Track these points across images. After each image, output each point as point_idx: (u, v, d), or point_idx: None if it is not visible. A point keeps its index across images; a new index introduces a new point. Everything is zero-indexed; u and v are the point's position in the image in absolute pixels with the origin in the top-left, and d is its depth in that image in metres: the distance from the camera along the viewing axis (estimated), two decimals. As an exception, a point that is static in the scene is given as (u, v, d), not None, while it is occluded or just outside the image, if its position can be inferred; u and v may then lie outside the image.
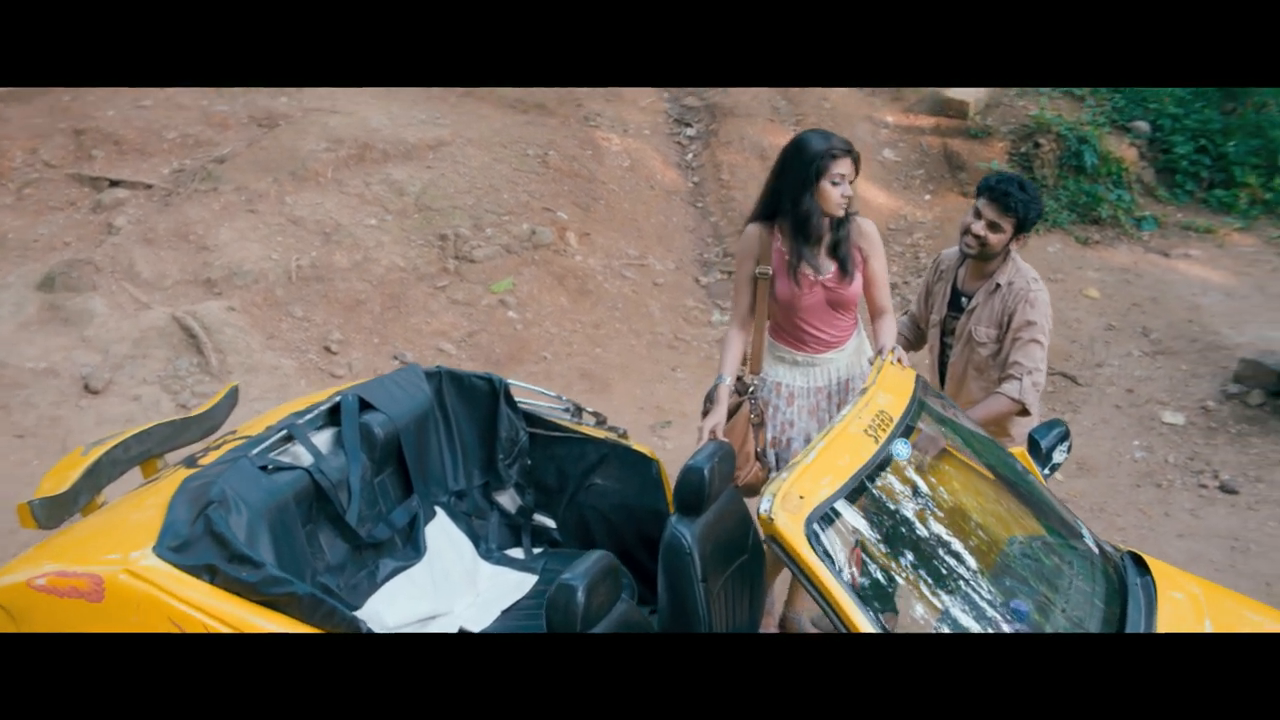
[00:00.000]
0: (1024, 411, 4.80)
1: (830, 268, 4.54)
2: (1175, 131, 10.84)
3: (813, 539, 3.23)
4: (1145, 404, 7.76)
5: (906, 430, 3.83)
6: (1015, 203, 4.66)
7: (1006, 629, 3.40)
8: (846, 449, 3.61)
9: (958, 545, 3.69)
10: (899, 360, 4.31)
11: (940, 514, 3.79)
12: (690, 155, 10.66)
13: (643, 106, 11.05)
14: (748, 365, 4.80)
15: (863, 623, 3.14)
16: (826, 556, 3.21)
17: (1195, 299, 9.05)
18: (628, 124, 10.56)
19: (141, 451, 4.38)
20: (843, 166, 4.38)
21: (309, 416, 4.40)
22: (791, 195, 4.48)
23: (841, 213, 4.46)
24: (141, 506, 3.98)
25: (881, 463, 3.62)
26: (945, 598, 3.50)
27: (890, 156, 10.39)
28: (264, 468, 4.07)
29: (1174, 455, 7.23)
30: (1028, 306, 4.76)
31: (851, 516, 3.43)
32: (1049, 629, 3.52)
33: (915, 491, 3.75)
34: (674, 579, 4.07)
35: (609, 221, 9.23)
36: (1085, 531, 4.14)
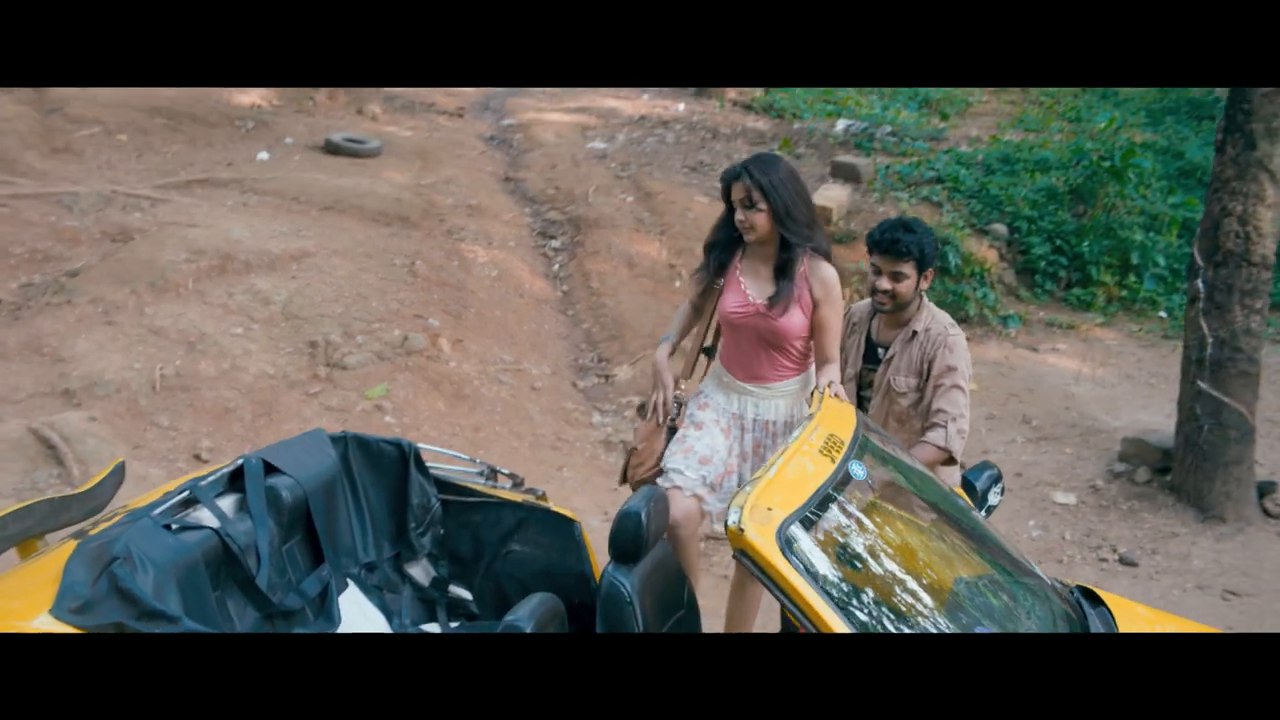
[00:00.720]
0: (950, 460, 4.69)
1: (768, 294, 4.42)
2: (1032, 233, 11.13)
3: (785, 550, 3.04)
4: (1035, 486, 7.77)
5: (859, 454, 3.69)
6: (906, 245, 4.62)
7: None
8: (804, 466, 3.45)
9: (923, 568, 3.54)
10: (837, 395, 4.16)
11: (902, 536, 3.63)
12: (557, 266, 10.59)
13: (505, 220, 10.98)
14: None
15: (839, 629, 2.94)
16: (800, 568, 3.02)
17: (1069, 388, 9.23)
18: (491, 237, 10.46)
19: (20, 530, 3.98)
20: (734, 191, 4.37)
21: (211, 479, 4.08)
22: (720, 222, 4.60)
23: (746, 238, 4.42)
24: (28, 577, 3.63)
25: (841, 481, 3.46)
26: (916, 616, 3.32)
27: (755, 263, 10.43)
28: (168, 526, 3.75)
29: (1070, 533, 7.23)
30: (947, 352, 4.70)
31: (821, 529, 3.25)
32: None
33: (876, 511, 3.59)
34: (615, 631, 3.83)
35: (481, 329, 9.04)
36: (1036, 567, 4.03)
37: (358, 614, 4.33)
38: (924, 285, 4.74)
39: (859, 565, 3.33)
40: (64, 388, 7.32)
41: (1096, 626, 3.71)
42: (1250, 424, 7.25)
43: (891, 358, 4.80)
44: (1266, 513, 7.34)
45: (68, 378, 7.38)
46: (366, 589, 4.46)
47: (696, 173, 12.27)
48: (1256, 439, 7.39)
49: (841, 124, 14.18)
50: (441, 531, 4.65)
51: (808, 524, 3.19)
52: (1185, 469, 7.44)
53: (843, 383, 4.98)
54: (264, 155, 11.24)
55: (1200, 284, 7.28)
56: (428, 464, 4.63)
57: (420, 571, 4.63)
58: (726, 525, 3.05)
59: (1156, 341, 10.30)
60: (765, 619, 4.96)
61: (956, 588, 3.59)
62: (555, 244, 10.89)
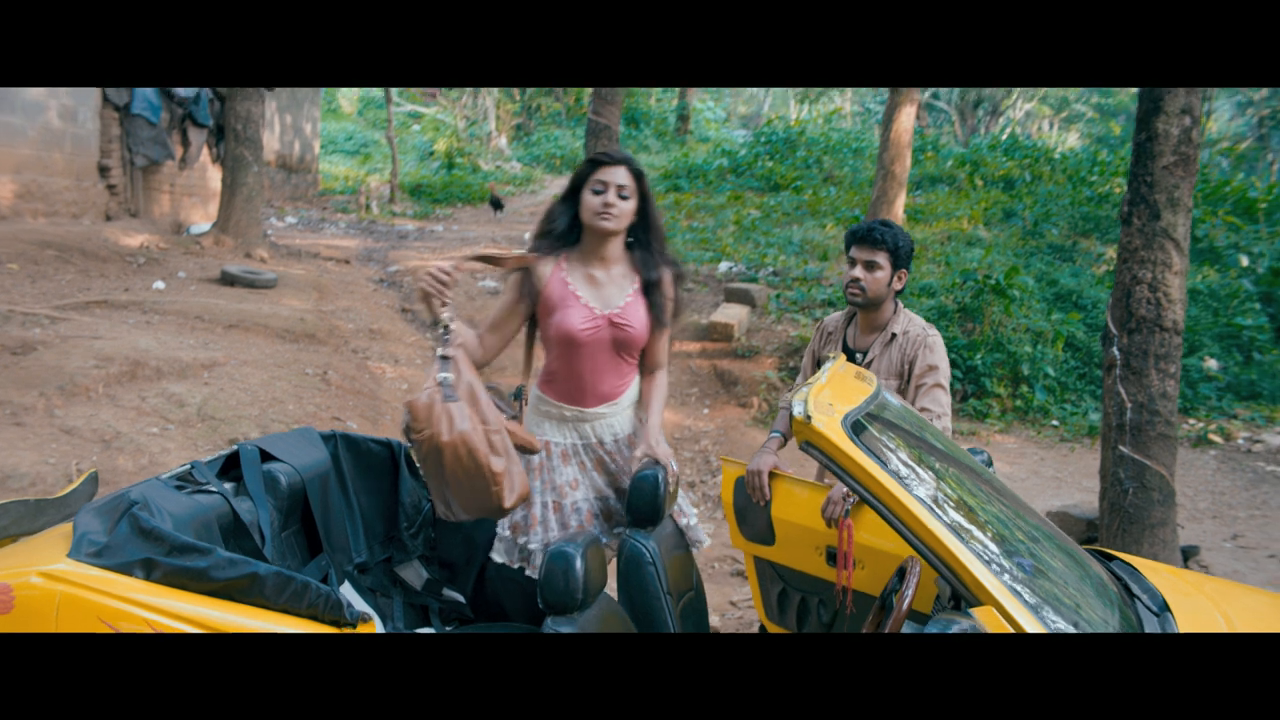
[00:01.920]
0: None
1: (622, 301, 4.04)
2: (926, 346, 11.40)
3: (853, 438, 3.04)
4: (965, 559, 7.81)
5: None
6: (881, 235, 4.67)
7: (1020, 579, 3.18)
8: (847, 382, 3.48)
9: (969, 495, 3.53)
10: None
11: (947, 463, 3.63)
12: (466, 382, 10.55)
13: (408, 343, 10.97)
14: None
15: (918, 510, 2.93)
16: (869, 453, 3.02)
17: (982, 482, 9.36)
18: (397, 356, 10.42)
19: (-4, 528, 3.82)
20: (607, 174, 3.90)
21: (207, 461, 3.95)
22: (559, 208, 4.09)
23: (603, 225, 3.91)
24: (30, 544, 3.47)
25: (882, 403, 3.49)
26: (972, 513, 3.31)
27: (661, 379, 10.58)
28: (179, 489, 3.62)
29: (1007, 598, 7.26)
30: (928, 351, 4.73)
31: (876, 431, 3.25)
32: (1070, 594, 3.32)
33: (917, 438, 3.60)
34: (637, 594, 3.77)
35: (399, 434, 8.91)
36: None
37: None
38: (898, 285, 4.79)
39: (914, 466, 3.32)
40: (-26, 482, 7.03)
41: (1128, 573, 3.74)
42: (1171, 486, 7.41)
43: (870, 361, 4.84)
44: (1192, 574, 7.48)
45: (-22, 472, 7.09)
46: (360, 589, 4.31)
47: (593, 302, 12.43)
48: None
49: (724, 266, 14.50)
50: (433, 535, 4.53)
51: (863, 426, 3.20)
52: (1112, 534, 7.54)
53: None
54: (160, 284, 11.11)
55: (1116, 351, 7.49)
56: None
57: (412, 574, 4.49)
58: (793, 416, 3.03)
59: (1055, 444, 10.56)
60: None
61: (994, 521, 3.57)
62: (460, 363, 10.90)
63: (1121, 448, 7.45)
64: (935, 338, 4.78)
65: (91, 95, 13.38)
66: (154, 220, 14.48)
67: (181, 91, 15.03)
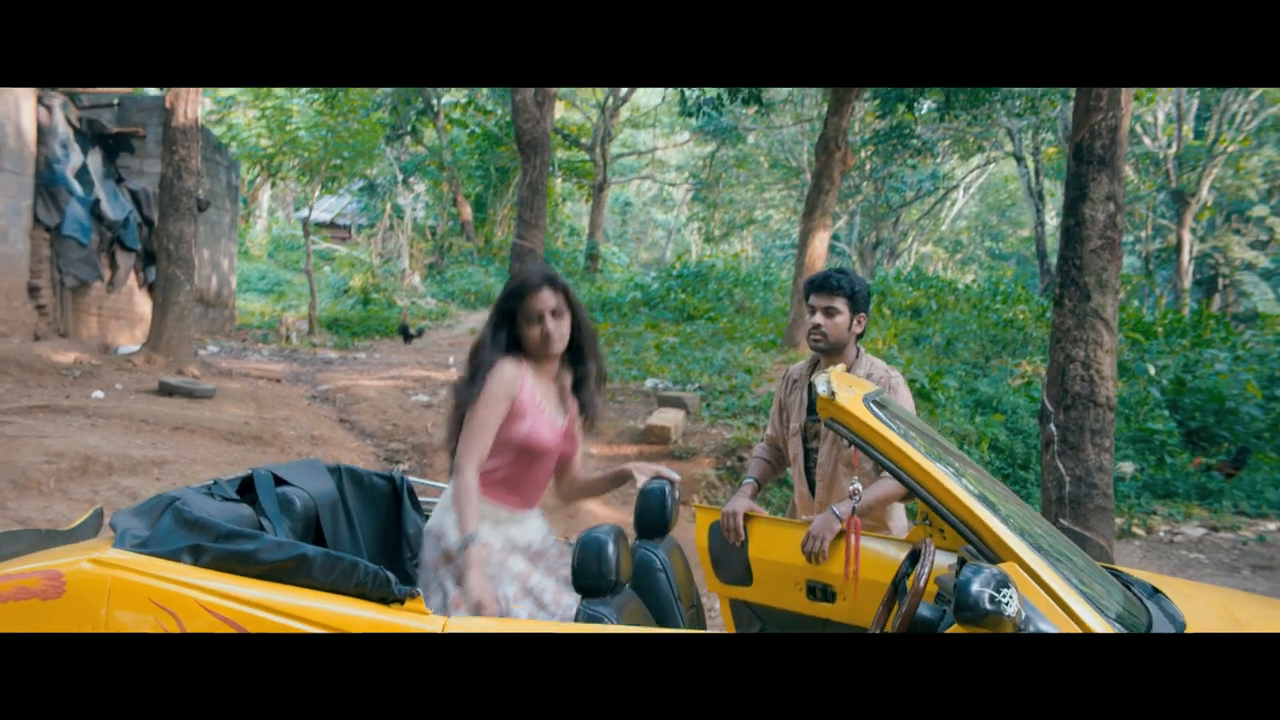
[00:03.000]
0: (909, 495, 4.87)
1: (567, 411, 4.10)
2: (858, 445, 11.64)
3: (875, 412, 3.24)
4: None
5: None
6: (838, 281, 4.82)
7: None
8: (855, 379, 3.67)
9: (989, 493, 3.65)
10: None
11: (964, 464, 3.76)
12: (408, 485, 10.65)
13: (350, 448, 11.03)
14: None
15: (939, 474, 3.12)
16: (890, 425, 3.22)
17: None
18: (340, 460, 10.41)
19: (10, 553, 3.89)
20: (537, 302, 3.87)
21: (228, 479, 4.05)
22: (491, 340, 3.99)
23: (553, 352, 3.94)
24: (67, 545, 3.56)
25: (884, 400, 3.67)
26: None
27: (602, 481, 10.70)
28: (209, 495, 3.73)
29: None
30: (892, 393, 4.86)
31: (890, 418, 3.43)
32: (1080, 574, 3.42)
33: (930, 436, 3.76)
34: (649, 598, 3.90)
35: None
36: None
37: (368, 631, 4.26)
38: (857, 328, 4.92)
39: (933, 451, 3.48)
40: (-68, 568, 6.97)
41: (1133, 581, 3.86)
42: (1111, 556, 7.65)
43: (836, 404, 5.00)
44: (1133, 643, 7.66)
45: (-66, 559, 7.03)
46: (366, 616, 4.38)
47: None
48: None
49: (651, 382, 14.73)
50: None
51: (879, 408, 3.38)
52: (1055, 605, 7.73)
53: (786, 449, 5.17)
54: (99, 394, 11.11)
55: (1053, 428, 7.78)
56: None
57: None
58: (817, 395, 3.23)
59: (987, 536, 10.80)
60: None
61: (1014, 515, 3.64)
62: (403, 467, 10.96)
63: (1062, 520, 7.68)
64: (898, 379, 4.93)
65: (23, 215, 13.43)
66: (83, 341, 14.47)
67: (111, 214, 15.11)
